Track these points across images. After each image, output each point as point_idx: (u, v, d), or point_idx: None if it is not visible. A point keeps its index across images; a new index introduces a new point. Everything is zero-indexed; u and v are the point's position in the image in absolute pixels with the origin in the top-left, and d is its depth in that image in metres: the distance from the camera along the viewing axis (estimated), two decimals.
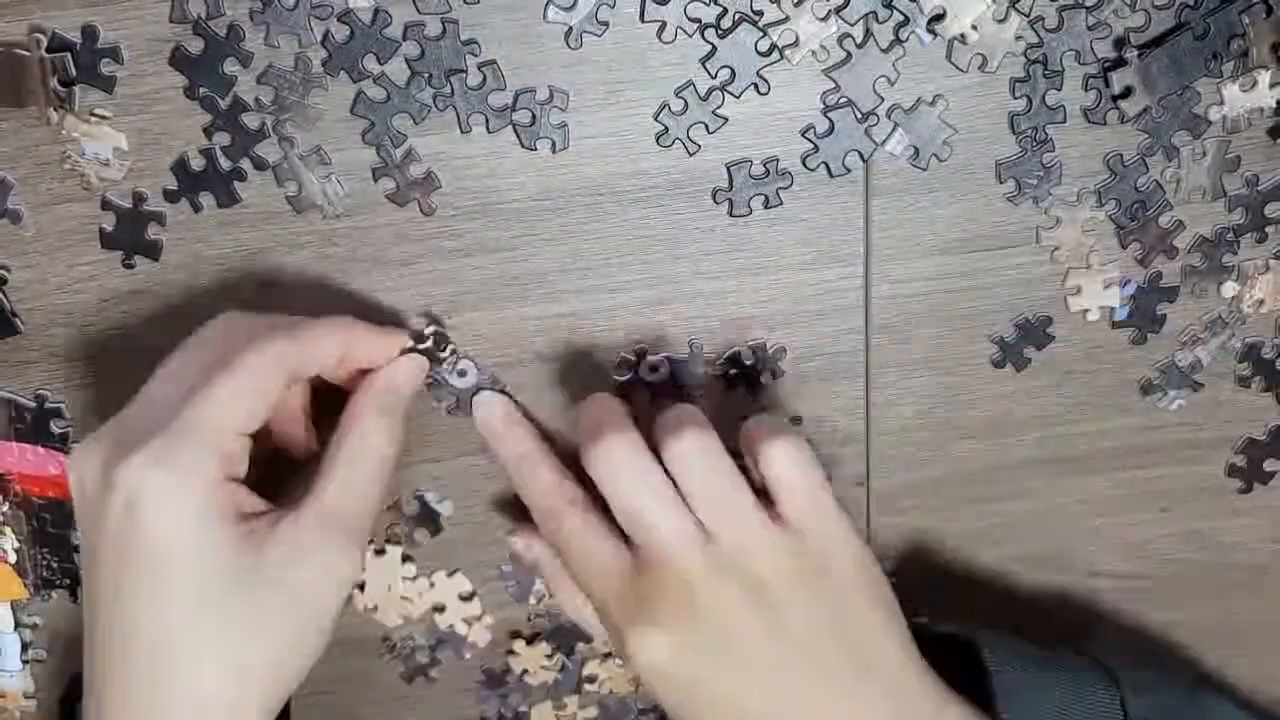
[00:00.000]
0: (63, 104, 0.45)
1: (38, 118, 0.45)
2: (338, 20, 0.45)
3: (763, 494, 0.46)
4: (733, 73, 0.48)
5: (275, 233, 0.48)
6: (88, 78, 0.45)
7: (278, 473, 0.47)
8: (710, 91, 0.48)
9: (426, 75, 0.46)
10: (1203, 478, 0.58)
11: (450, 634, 0.57)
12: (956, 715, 0.45)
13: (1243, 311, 0.54)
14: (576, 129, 0.48)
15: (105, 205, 0.47)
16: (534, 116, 0.47)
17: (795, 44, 0.47)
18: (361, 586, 0.55)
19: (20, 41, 0.44)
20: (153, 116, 0.46)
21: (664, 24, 0.47)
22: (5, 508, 0.52)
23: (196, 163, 0.47)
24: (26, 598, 0.54)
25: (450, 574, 0.56)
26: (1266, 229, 0.53)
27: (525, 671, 0.58)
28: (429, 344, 0.50)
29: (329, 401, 0.48)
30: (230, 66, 0.45)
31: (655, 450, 0.46)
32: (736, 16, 0.47)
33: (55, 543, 0.53)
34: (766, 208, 0.50)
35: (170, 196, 0.47)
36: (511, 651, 0.58)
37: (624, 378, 0.52)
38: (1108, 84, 0.49)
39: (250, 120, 0.46)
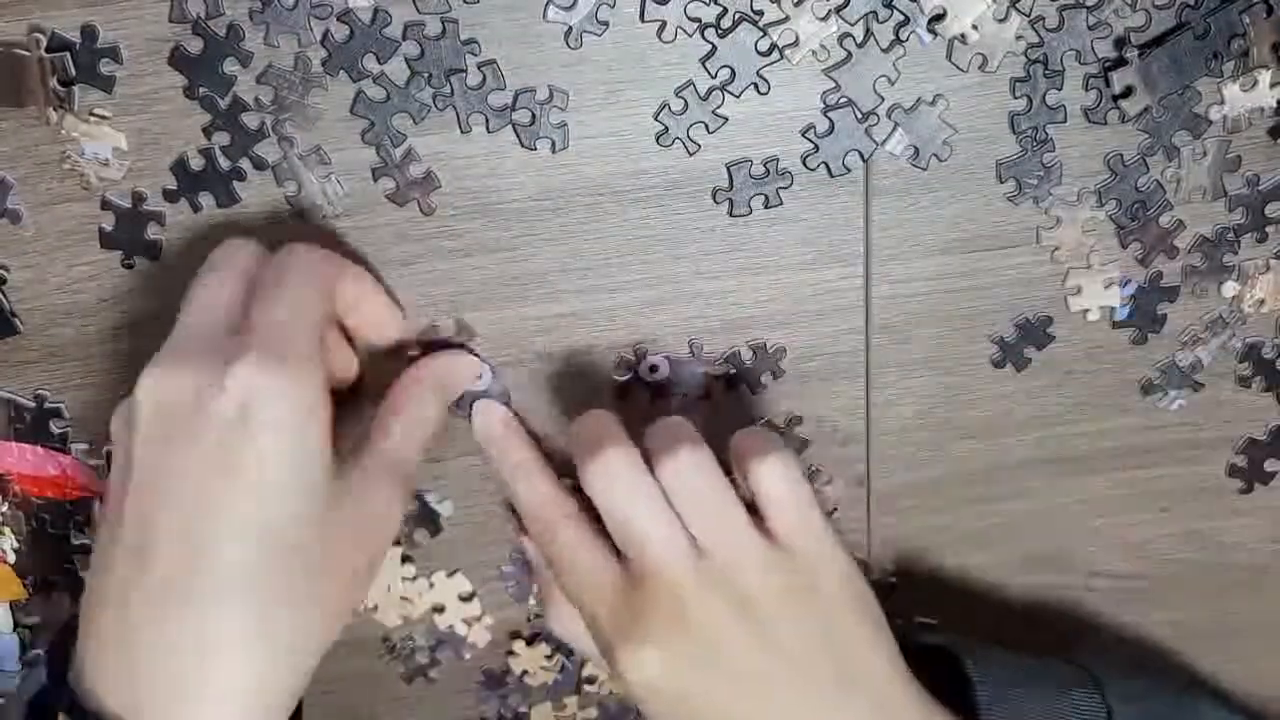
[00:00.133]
0: (62, 104, 0.45)
1: (37, 117, 0.45)
2: (337, 20, 0.45)
3: (751, 507, 0.46)
4: (733, 72, 0.48)
5: (275, 233, 0.48)
6: (87, 77, 0.45)
7: None
8: (710, 91, 0.48)
9: (426, 75, 0.46)
10: (1203, 478, 0.58)
11: (450, 634, 0.57)
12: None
13: (1243, 311, 0.54)
14: (576, 129, 0.48)
15: (105, 205, 0.47)
16: (534, 116, 0.47)
17: (795, 44, 0.47)
18: None
19: (20, 41, 0.44)
20: (152, 116, 0.46)
21: (664, 24, 0.47)
22: (5, 508, 0.52)
23: (196, 162, 0.47)
24: (26, 598, 0.54)
25: (450, 574, 0.56)
26: (1267, 229, 0.53)
27: (525, 672, 0.58)
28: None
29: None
30: (230, 66, 0.45)
31: (648, 463, 0.46)
32: (736, 16, 0.47)
33: (54, 543, 0.53)
34: (766, 208, 0.50)
35: (170, 196, 0.47)
36: (511, 652, 0.58)
37: (624, 378, 0.52)
38: (1108, 84, 0.49)
39: (250, 120, 0.46)
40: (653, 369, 0.53)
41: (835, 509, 0.56)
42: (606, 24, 0.46)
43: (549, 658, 0.58)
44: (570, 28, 0.46)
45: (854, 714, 0.45)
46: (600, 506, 0.46)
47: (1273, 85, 0.50)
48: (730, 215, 0.50)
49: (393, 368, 0.49)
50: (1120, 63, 0.49)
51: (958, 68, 0.48)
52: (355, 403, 0.48)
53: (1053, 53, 0.48)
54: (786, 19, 0.47)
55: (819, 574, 0.46)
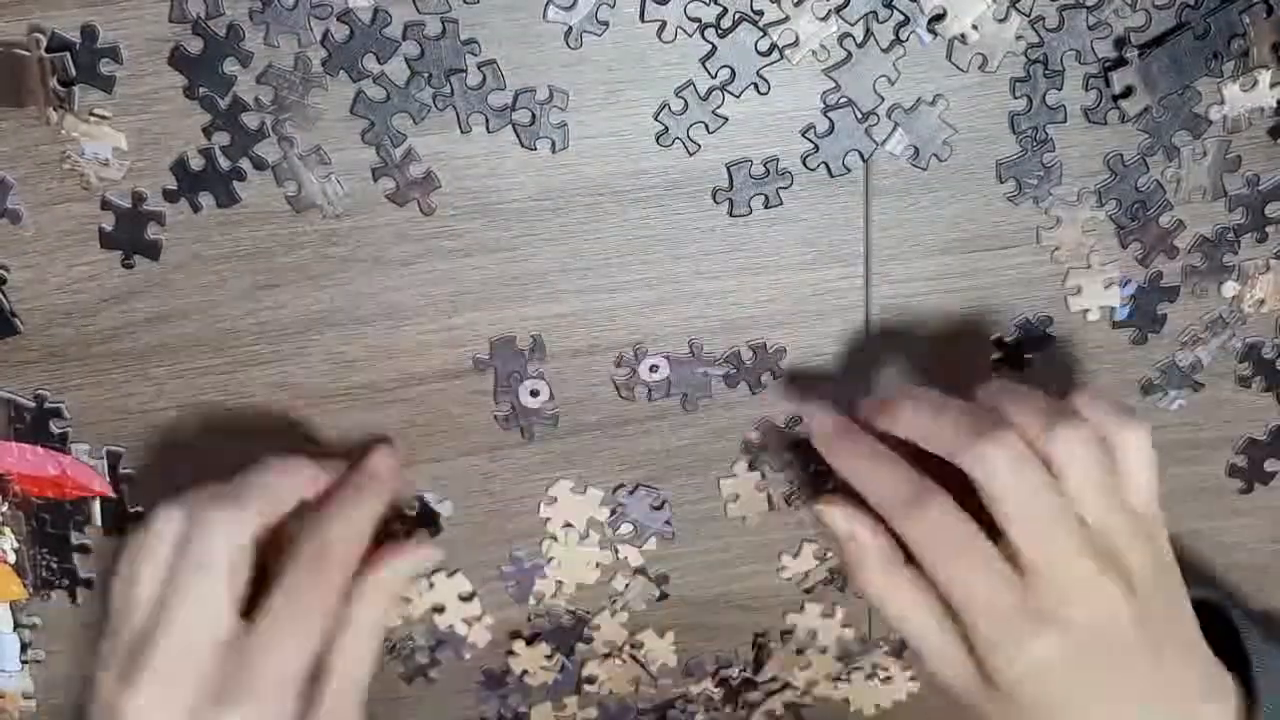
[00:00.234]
0: (62, 104, 0.45)
1: (37, 117, 0.45)
2: (337, 20, 0.45)
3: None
4: (733, 72, 0.47)
5: (275, 233, 0.48)
6: (87, 77, 0.45)
7: None
8: (710, 91, 0.48)
9: (426, 75, 0.46)
10: (1203, 478, 0.58)
11: (450, 634, 0.57)
12: (1228, 679, 0.47)
13: (1243, 311, 0.54)
14: (576, 129, 0.48)
15: (105, 205, 0.47)
16: (534, 116, 0.47)
17: (795, 44, 0.47)
18: None
19: (20, 41, 0.44)
20: (152, 116, 0.46)
21: (664, 24, 0.47)
22: (5, 508, 0.52)
23: (196, 162, 0.47)
24: (26, 598, 0.54)
25: (450, 574, 0.56)
26: (1267, 229, 0.53)
27: (525, 672, 0.58)
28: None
29: None
30: (230, 66, 0.45)
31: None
32: (736, 16, 0.47)
33: (54, 543, 0.53)
34: (766, 208, 0.50)
35: (170, 196, 0.47)
36: (511, 652, 0.58)
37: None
38: (1108, 84, 0.49)
39: (250, 120, 0.46)
40: (653, 369, 0.53)
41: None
42: (606, 24, 0.46)
43: (548, 658, 0.58)
44: (570, 28, 0.46)
45: (1191, 675, 0.47)
46: (983, 490, 0.44)
47: (1273, 85, 0.50)
48: (730, 215, 0.50)
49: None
50: (1120, 63, 0.49)
51: (958, 68, 0.48)
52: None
53: (1053, 53, 0.48)
54: (786, 19, 0.47)
55: (1159, 541, 0.47)
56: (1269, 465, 0.58)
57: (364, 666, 0.47)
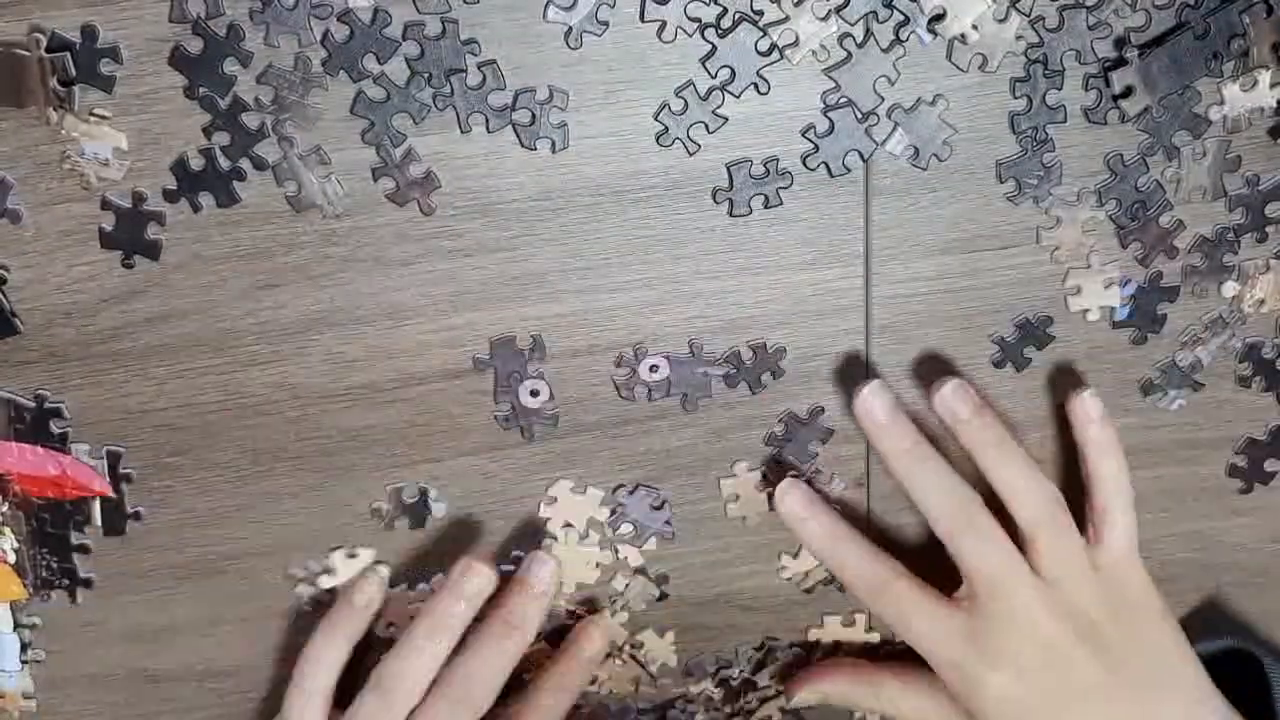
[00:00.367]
0: (62, 104, 0.45)
1: (37, 118, 0.45)
2: (337, 20, 0.45)
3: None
4: (733, 72, 0.47)
5: (275, 233, 0.48)
6: (87, 77, 0.45)
7: None
8: (710, 91, 0.48)
9: (426, 75, 0.46)
10: (1203, 478, 0.58)
11: None
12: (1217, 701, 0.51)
13: (1243, 311, 0.54)
14: (576, 129, 0.48)
15: (105, 205, 0.47)
16: (534, 116, 0.47)
17: (795, 44, 0.47)
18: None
19: (20, 41, 0.44)
20: (152, 116, 0.46)
21: (664, 24, 0.47)
22: (5, 508, 0.52)
23: (196, 162, 0.47)
24: (26, 598, 0.54)
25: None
26: (1267, 229, 0.53)
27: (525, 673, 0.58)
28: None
29: None
30: (230, 66, 0.45)
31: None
32: (736, 16, 0.47)
33: (55, 543, 0.53)
34: (766, 208, 0.50)
35: (170, 196, 0.47)
36: None
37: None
38: (1108, 84, 0.49)
39: (250, 120, 0.46)
40: (653, 369, 0.53)
41: (837, 508, 0.56)
42: (606, 24, 0.46)
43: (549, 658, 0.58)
44: (570, 28, 0.46)
45: (1178, 711, 0.51)
46: (939, 533, 0.51)
47: (1273, 85, 0.50)
48: (730, 215, 0.50)
49: None
50: (1120, 63, 0.49)
51: (958, 68, 0.48)
52: None
53: (1053, 53, 0.48)
54: (786, 19, 0.47)
55: (1133, 588, 0.52)
56: (1269, 465, 0.58)
57: None
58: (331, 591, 0.55)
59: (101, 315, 0.49)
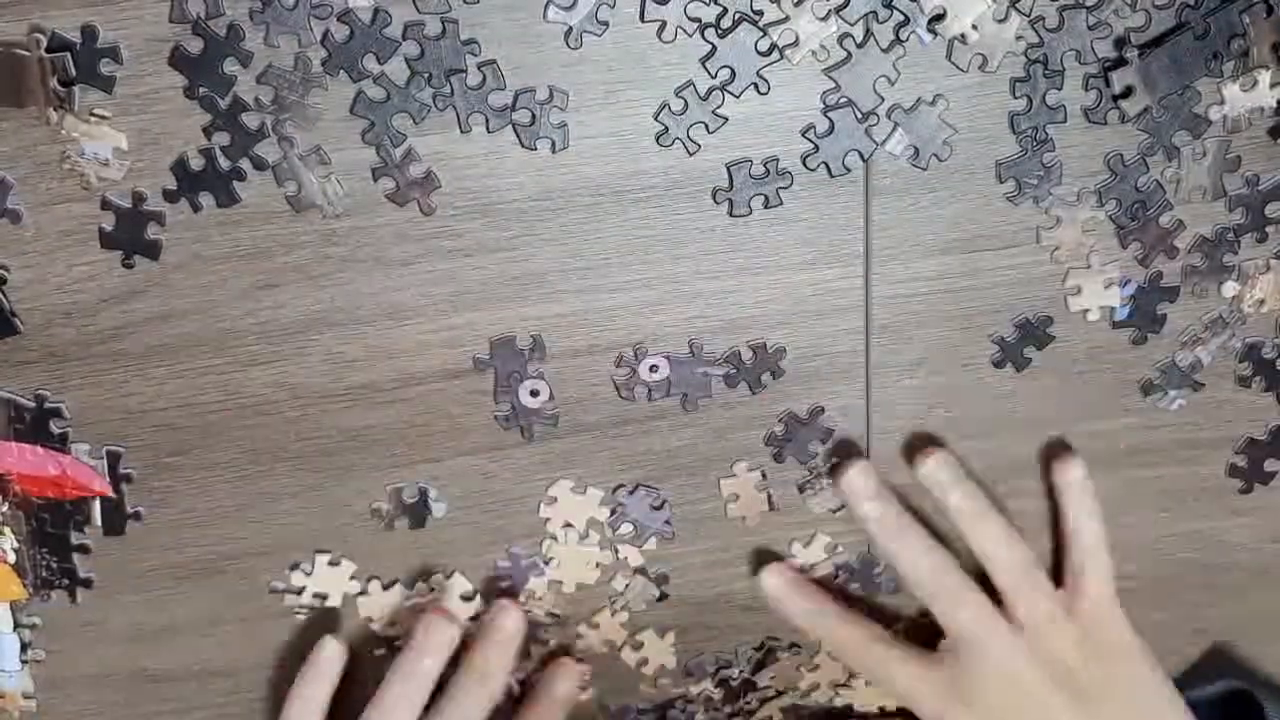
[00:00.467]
0: (62, 104, 0.45)
1: (37, 118, 0.45)
2: (337, 20, 0.45)
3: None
4: (733, 72, 0.47)
5: (275, 233, 0.48)
6: (87, 78, 0.45)
7: None
8: (710, 91, 0.48)
9: (426, 75, 0.46)
10: (1203, 478, 0.58)
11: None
12: None
13: (1243, 311, 0.54)
14: (576, 129, 0.48)
15: (105, 205, 0.47)
16: (534, 116, 0.47)
17: (795, 44, 0.47)
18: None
19: (20, 41, 0.44)
20: (152, 116, 0.46)
21: (664, 24, 0.47)
22: (5, 508, 0.52)
23: (196, 162, 0.47)
24: (26, 598, 0.54)
25: (449, 576, 0.56)
26: (1267, 229, 0.53)
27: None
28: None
29: None
30: (230, 66, 0.45)
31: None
32: (736, 16, 0.47)
33: (55, 543, 0.53)
34: (766, 208, 0.50)
35: (170, 196, 0.47)
36: None
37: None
38: (1108, 84, 0.49)
39: (250, 120, 0.46)
40: (653, 369, 0.53)
41: (842, 507, 0.56)
42: (606, 24, 0.46)
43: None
44: (570, 28, 0.46)
45: None
46: (921, 597, 0.54)
47: (1273, 85, 0.50)
48: (730, 215, 0.50)
49: None
50: (1120, 63, 0.49)
51: (958, 68, 0.48)
52: None
53: (1053, 53, 0.48)
54: (786, 19, 0.47)
55: (1112, 632, 0.54)
56: (1269, 465, 0.58)
57: None
58: (319, 597, 0.55)
59: (101, 315, 0.49)
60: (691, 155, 0.49)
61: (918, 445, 0.55)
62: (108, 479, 0.52)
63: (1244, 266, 0.53)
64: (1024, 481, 0.57)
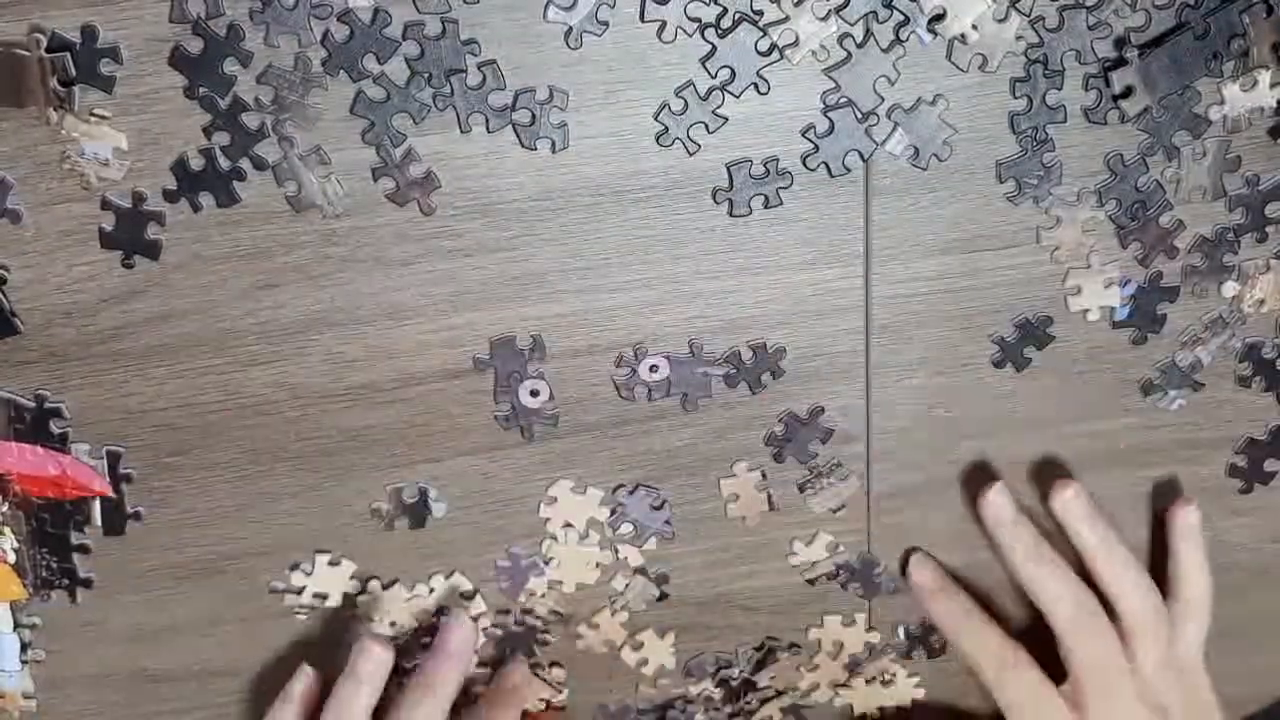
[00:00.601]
0: (62, 104, 0.45)
1: (37, 118, 0.45)
2: (337, 20, 0.45)
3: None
4: (733, 72, 0.47)
5: (275, 233, 0.48)
6: (87, 78, 0.45)
7: None
8: (710, 91, 0.48)
9: (426, 75, 0.46)
10: (1203, 478, 0.58)
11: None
12: None
13: (1243, 311, 0.54)
14: (576, 129, 0.48)
15: (105, 205, 0.47)
16: (534, 116, 0.47)
17: (795, 44, 0.47)
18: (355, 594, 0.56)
19: (20, 41, 0.44)
20: (152, 116, 0.46)
21: (664, 24, 0.47)
22: (5, 508, 0.52)
23: (196, 162, 0.47)
24: (26, 598, 0.54)
25: (448, 576, 0.56)
26: (1267, 229, 0.53)
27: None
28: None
29: None
30: (230, 66, 0.45)
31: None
32: (736, 16, 0.47)
33: (55, 543, 0.53)
34: (766, 208, 0.50)
35: (170, 196, 0.47)
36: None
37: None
38: (1108, 84, 0.49)
39: (250, 120, 0.46)
40: (653, 369, 0.53)
41: (843, 507, 0.56)
42: (606, 24, 0.46)
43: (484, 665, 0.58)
44: (570, 28, 0.46)
45: None
46: (1057, 626, 0.55)
47: (1273, 85, 0.50)
48: (730, 215, 0.50)
49: None
50: (1120, 63, 0.49)
51: (958, 68, 0.48)
52: None
53: (1053, 53, 0.48)
54: (786, 19, 0.47)
55: (1204, 690, 0.57)
56: (1269, 465, 0.58)
57: None
58: (319, 597, 0.55)
59: (101, 315, 0.49)
60: (691, 155, 0.49)
61: (1045, 474, 0.56)
62: (108, 479, 0.52)
63: (1244, 266, 0.53)
64: (1024, 481, 0.57)
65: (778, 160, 0.49)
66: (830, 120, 0.49)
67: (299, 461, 0.53)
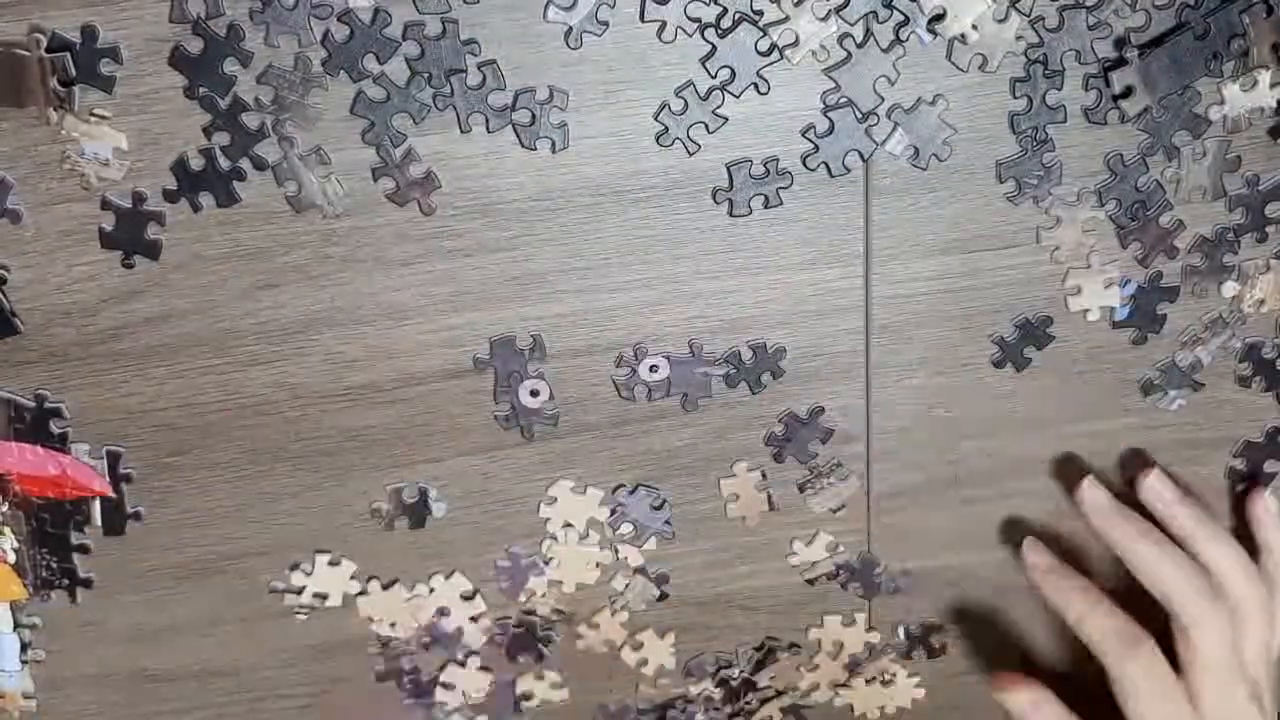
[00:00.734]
0: (62, 104, 0.45)
1: (38, 118, 0.45)
2: (338, 20, 0.45)
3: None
4: (733, 72, 0.47)
5: (275, 233, 0.48)
6: (87, 78, 0.45)
7: None
8: (710, 91, 0.48)
9: (426, 75, 0.46)
10: (1203, 478, 0.58)
11: (446, 635, 0.57)
12: None
13: (1243, 311, 0.54)
14: (576, 129, 0.48)
15: (105, 205, 0.47)
16: (534, 116, 0.47)
17: (795, 44, 0.47)
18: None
19: (20, 41, 0.44)
20: (152, 116, 0.46)
21: (664, 24, 0.47)
22: (5, 508, 0.52)
23: (196, 162, 0.47)
24: (26, 598, 0.54)
25: (448, 576, 0.56)
26: (1267, 229, 0.53)
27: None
28: None
29: None
30: (230, 66, 0.45)
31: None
32: (736, 16, 0.47)
33: (55, 543, 0.53)
34: (766, 208, 0.50)
35: (170, 196, 0.47)
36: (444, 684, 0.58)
37: None
38: (1108, 84, 0.49)
39: (250, 120, 0.46)
40: (653, 369, 0.53)
41: (843, 507, 0.56)
42: (606, 24, 0.46)
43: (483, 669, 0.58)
44: (570, 28, 0.46)
45: None
46: (1175, 611, 0.54)
47: (1273, 85, 0.50)
48: (730, 215, 0.50)
49: None
50: (1120, 63, 0.49)
51: (958, 68, 0.48)
52: None
53: (1052, 53, 0.48)
54: (786, 19, 0.47)
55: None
56: (1269, 466, 0.58)
57: None
58: (319, 597, 0.55)
59: (101, 315, 0.49)
60: (691, 155, 0.49)
61: (1126, 464, 0.57)
62: (108, 479, 0.52)
63: (1244, 266, 0.53)
64: (1024, 481, 0.57)
65: (778, 160, 0.49)
66: (830, 120, 0.49)
67: (299, 461, 0.53)
